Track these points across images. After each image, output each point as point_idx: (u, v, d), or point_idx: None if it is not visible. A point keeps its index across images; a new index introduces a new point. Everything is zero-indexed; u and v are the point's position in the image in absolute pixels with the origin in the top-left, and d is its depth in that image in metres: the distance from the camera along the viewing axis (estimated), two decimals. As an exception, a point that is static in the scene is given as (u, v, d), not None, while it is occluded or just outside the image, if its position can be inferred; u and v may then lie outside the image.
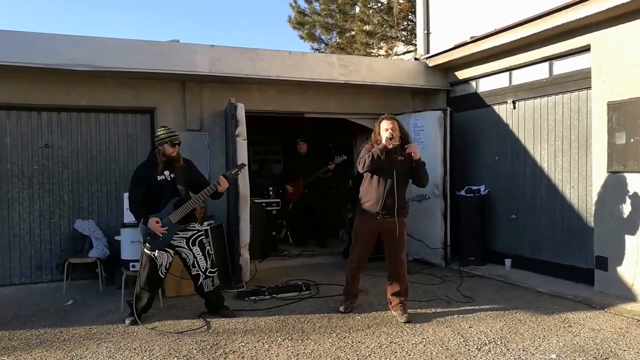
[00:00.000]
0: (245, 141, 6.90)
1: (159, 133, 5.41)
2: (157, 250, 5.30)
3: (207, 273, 5.46)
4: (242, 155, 6.80)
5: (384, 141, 5.20)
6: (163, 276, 5.46)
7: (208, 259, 5.48)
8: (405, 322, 5.27)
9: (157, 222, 5.21)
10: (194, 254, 5.42)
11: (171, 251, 5.41)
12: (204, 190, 5.29)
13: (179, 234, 5.36)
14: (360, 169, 5.39)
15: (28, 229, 7.14)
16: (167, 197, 5.32)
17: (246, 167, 6.87)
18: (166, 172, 5.36)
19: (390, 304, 5.57)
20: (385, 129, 5.27)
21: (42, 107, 7.18)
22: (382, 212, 5.33)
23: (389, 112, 5.77)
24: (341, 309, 5.66)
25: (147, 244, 5.31)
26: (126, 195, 6.25)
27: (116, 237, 6.23)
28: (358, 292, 5.84)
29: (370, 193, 5.39)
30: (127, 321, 5.35)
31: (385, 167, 5.27)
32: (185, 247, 5.41)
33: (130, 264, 5.90)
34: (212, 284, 5.51)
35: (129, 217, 6.14)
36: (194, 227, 5.49)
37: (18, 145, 7.09)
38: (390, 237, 5.44)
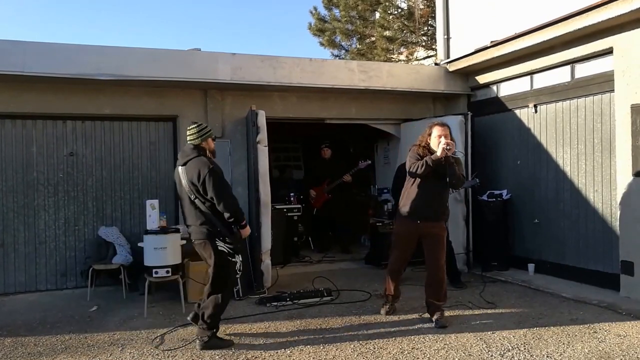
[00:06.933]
0: (267, 148, 6.95)
1: (202, 126, 4.87)
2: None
3: None
4: (263, 162, 6.85)
5: (439, 153, 5.07)
6: None
7: None
8: (439, 327, 5.22)
9: None
10: None
11: None
12: None
13: None
14: (409, 174, 5.35)
15: (53, 236, 7.26)
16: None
17: (267, 173, 6.89)
18: None
19: (429, 308, 5.49)
20: (438, 135, 5.22)
21: (67, 116, 7.31)
22: (423, 216, 5.33)
23: (435, 120, 5.57)
24: (382, 312, 5.72)
25: (234, 249, 4.89)
26: (147, 202, 6.31)
27: (139, 244, 6.29)
28: (399, 294, 5.83)
29: (412, 197, 5.36)
30: (204, 339, 4.79)
31: (431, 173, 5.20)
32: None
33: (153, 270, 5.94)
34: None
35: (151, 223, 6.19)
36: None
37: (44, 153, 7.22)
38: (430, 242, 5.43)
